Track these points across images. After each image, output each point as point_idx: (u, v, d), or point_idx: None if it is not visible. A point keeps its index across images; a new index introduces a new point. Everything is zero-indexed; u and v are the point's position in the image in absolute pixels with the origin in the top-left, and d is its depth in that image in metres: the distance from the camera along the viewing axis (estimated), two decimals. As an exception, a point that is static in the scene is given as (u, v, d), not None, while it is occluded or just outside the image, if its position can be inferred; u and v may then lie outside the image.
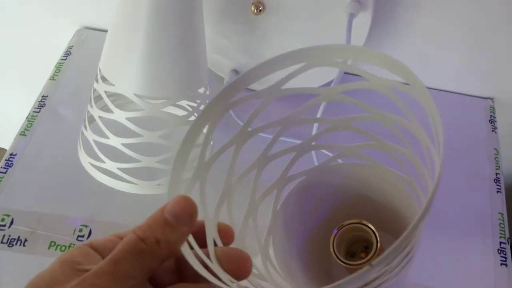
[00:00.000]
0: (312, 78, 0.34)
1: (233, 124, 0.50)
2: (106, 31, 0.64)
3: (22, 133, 0.54)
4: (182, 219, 0.22)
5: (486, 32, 0.53)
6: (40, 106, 0.57)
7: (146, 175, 0.45)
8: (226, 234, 0.26)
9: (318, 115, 0.44)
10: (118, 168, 0.43)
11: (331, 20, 0.48)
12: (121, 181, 0.44)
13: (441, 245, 0.50)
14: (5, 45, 0.71)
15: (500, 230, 0.51)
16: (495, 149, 0.57)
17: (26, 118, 0.56)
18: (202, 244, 0.25)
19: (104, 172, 0.44)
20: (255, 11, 0.49)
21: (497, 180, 0.54)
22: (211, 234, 0.25)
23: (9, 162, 0.52)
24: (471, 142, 0.58)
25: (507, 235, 0.51)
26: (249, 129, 0.31)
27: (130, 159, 0.43)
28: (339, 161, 0.38)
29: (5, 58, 0.73)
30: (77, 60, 0.62)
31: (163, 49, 0.40)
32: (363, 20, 0.47)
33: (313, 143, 0.37)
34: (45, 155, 0.53)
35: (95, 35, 0.65)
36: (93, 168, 0.45)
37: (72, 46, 0.63)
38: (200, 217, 0.26)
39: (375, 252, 0.34)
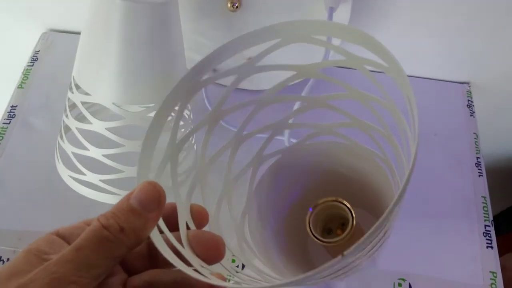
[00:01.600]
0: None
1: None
2: (73, 33, 0.62)
3: (-7, 147, 0.52)
4: (149, 205, 0.21)
5: (461, 19, 0.54)
6: (10, 116, 0.54)
7: (130, 185, 0.43)
8: (199, 216, 0.26)
9: (303, 94, 0.43)
10: (101, 180, 0.42)
11: (310, 15, 0.47)
12: (104, 193, 0.42)
13: (427, 232, 0.50)
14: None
15: (484, 213, 0.52)
16: (474, 133, 0.58)
17: (-4, 130, 0.53)
18: (175, 227, 0.24)
19: (85, 185, 0.42)
20: (232, 7, 0.48)
21: (478, 164, 0.55)
22: (184, 217, 0.24)
23: (-18, 179, 0.49)
24: (451, 127, 0.58)
25: (491, 218, 0.52)
26: (222, 109, 0.30)
27: (112, 170, 0.42)
28: (315, 140, 0.37)
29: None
30: (45, 65, 0.59)
31: (139, 55, 0.39)
32: (343, 14, 0.47)
33: (289, 122, 0.36)
34: (20, 169, 0.50)
35: (62, 38, 0.62)
36: (73, 181, 0.43)
37: (39, 51, 0.60)
38: (172, 200, 0.25)
39: (351, 228, 0.34)
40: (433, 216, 0.51)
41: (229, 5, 0.48)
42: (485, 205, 0.52)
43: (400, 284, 0.47)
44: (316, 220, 0.36)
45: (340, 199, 0.35)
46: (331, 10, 0.45)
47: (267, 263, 0.33)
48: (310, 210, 0.35)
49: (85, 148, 0.41)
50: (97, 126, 0.40)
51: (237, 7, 0.48)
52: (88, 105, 0.43)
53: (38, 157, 0.51)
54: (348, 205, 0.35)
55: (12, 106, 0.55)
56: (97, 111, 0.45)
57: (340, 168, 0.37)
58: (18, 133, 0.53)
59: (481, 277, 0.48)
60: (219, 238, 0.24)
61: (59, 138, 0.45)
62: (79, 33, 0.61)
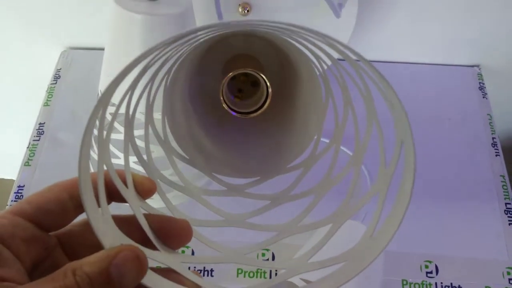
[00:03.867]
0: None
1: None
2: (91, 49, 0.65)
3: (26, 163, 0.54)
4: (128, 283, 0.19)
5: (466, 3, 0.55)
6: (39, 134, 0.57)
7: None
8: (145, 189, 0.24)
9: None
10: (133, 186, 0.44)
11: (319, 13, 0.49)
12: (137, 198, 0.44)
13: (449, 214, 0.52)
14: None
15: (504, 191, 0.53)
16: (488, 114, 0.59)
17: (27, 147, 0.56)
18: (113, 194, 0.23)
19: (118, 192, 0.45)
20: (243, 12, 0.50)
21: (494, 144, 0.56)
22: (138, 209, 0.23)
23: (19, 194, 0.52)
24: (464, 111, 0.59)
25: (511, 196, 0.53)
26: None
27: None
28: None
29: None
30: (68, 82, 0.62)
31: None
32: (350, 9, 0.48)
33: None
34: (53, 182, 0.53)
35: (81, 55, 0.64)
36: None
37: (60, 69, 0.63)
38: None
39: (267, 92, 0.33)
40: (455, 197, 0.53)
41: (240, 9, 0.50)
42: (504, 183, 0.53)
43: (426, 266, 0.48)
44: (232, 87, 0.35)
45: (253, 70, 0.32)
46: (340, 7, 0.46)
47: (194, 157, 0.32)
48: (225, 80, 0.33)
49: (116, 157, 0.43)
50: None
51: (248, 11, 0.50)
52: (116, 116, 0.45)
53: (69, 170, 0.53)
54: (262, 75, 0.32)
55: (40, 124, 0.58)
56: (123, 121, 0.47)
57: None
58: (48, 149, 0.56)
59: (505, 253, 0.49)
60: (186, 224, 0.23)
61: (90, 150, 0.47)
62: (96, 49, 0.64)
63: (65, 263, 0.22)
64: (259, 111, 0.34)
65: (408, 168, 0.21)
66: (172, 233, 0.23)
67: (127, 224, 0.23)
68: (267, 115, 0.34)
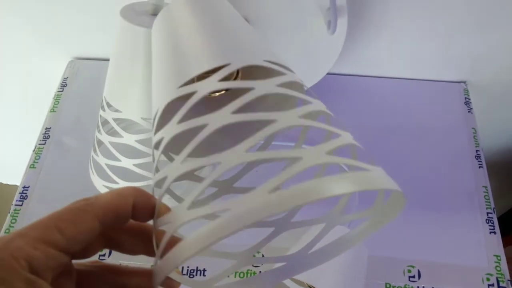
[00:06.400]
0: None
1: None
2: (96, 59, 0.68)
3: (32, 166, 0.57)
4: None
5: (452, 22, 0.58)
6: (45, 138, 0.60)
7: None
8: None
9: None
10: (132, 187, 0.47)
11: (312, 28, 0.52)
12: (136, 199, 0.47)
13: (433, 222, 0.54)
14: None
15: (486, 201, 0.55)
16: (472, 128, 0.62)
17: (33, 151, 0.59)
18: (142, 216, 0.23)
19: (119, 193, 0.47)
20: (240, 27, 0.53)
21: (478, 157, 0.59)
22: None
23: (24, 195, 0.55)
24: (450, 124, 0.62)
25: (493, 206, 0.55)
26: None
27: (141, 178, 0.46)
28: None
29: (2, 97, 0.75)
30: (74, 90, 0.65)
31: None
32: (340, 26, 0.51)
33: None
34: (57, 184, 0.56)
35: (87, 65, 0.68)
36: (108, 191, 0.48)
37: (67, 78, 0.66)
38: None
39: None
40: (439, 206, 0.55)
41: (237, 25, 0.53)
42: (486, 194, 0.56)
43: (409, 271, 0.50)
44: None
45: None
46: (330, 23, 0.49)
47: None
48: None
49: (117, 160, 0.46)
50: (128, 139, 0.45)
51: (245, 26, 0.53)
52: (118, 121, 0.48)
53: (73, 172, 0.56)
54: None
55: (46, 128, 0.61)
56: (127, 126, 0.50)
57: None
58: (53, 152, 0.59)
59: (485, 260, 0.51)
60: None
61: (92, 152, 0.50)
62: (102, 60, 0.68)
63: (72, 270, 0.23)
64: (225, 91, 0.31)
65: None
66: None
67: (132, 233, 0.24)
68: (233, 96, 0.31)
